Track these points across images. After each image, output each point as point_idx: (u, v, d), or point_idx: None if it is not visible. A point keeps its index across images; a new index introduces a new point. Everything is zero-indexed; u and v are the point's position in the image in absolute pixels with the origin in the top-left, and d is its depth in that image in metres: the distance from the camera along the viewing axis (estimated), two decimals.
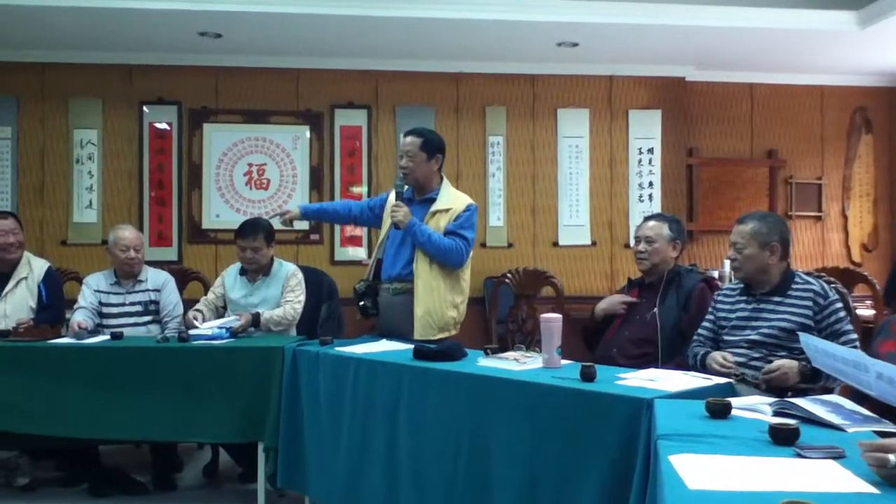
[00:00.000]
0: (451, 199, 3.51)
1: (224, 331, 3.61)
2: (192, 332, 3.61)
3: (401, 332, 3.42)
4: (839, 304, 2.79)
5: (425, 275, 3.39)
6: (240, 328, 3.68)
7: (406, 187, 3.54)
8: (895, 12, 4.82)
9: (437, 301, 3.40)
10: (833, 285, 3.01)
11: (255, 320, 3.74)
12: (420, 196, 3.54)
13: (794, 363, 2.63)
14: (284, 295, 3.88)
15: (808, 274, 2.97)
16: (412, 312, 3.38)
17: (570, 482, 2.23)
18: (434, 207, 3.47)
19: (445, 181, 3.57)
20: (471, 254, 3.52)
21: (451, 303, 3.46)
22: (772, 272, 2.86)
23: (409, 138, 3.50)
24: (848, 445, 1.58)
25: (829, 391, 2.53)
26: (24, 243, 4.08)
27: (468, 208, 3.48)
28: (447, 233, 3.41)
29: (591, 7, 5.04)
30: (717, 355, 2.82)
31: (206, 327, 3.65)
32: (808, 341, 2.27)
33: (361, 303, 3.57)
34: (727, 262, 3.07)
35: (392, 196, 3.59)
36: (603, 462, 2.15)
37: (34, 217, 5.69)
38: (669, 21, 5.11)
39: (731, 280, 3.46)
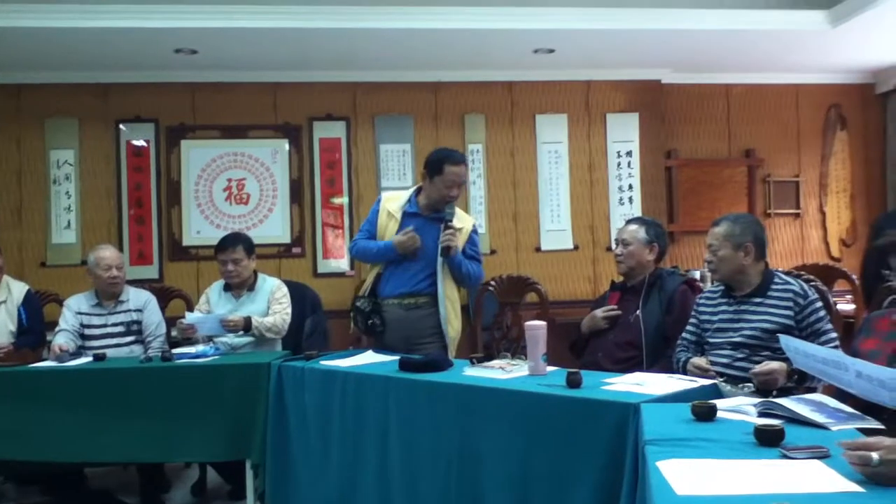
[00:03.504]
0: (461, 216, 3.64)
1: (209, 348, 3.61)
2: (175, 350, 3.60)
3: (413, 344, 3.43)
4: (819, 304, 2.81)
5: (451, 293, 3.54)
6: (231, 322, 3.72)
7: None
8: (864, 10, 4.88)
9: (459, 318, 3.58)
10: (812, 284, 3.04)
11: (247, 324, 3.76)
12: (432, 213, 3.56)
13: (784, 365, 2.59)
14: (271, 307, 3.90)
15: (788, 274, 3.00)
16: (428, 325, 3.50)
17: (561, 489, 2.24)
18: (455, 226, 3.51)
19: None
20: None
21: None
22: (749, 273, 2.89)
23: (462, 167, 3.55)
24: (832, 444, 1.60)
25: (813, 390, 2.55)
26: (4, 267, 4.04)
27: (475, 229, 3.68)
28: (469, 256, 3.58)
29: (565, 13, 5.06)
30: (696, 360, 2.85)
31: (196, 318, 3.75)
32: (787, 343, 2.29)
33: (370, 321, 3.53)
34: None
35: (392, 210, 3.60)
36: (593, 468, 2.16)
37: (12, 239, 5.62)
38: (644, 25, 5.14)
39: (711, 281, 3.49)
